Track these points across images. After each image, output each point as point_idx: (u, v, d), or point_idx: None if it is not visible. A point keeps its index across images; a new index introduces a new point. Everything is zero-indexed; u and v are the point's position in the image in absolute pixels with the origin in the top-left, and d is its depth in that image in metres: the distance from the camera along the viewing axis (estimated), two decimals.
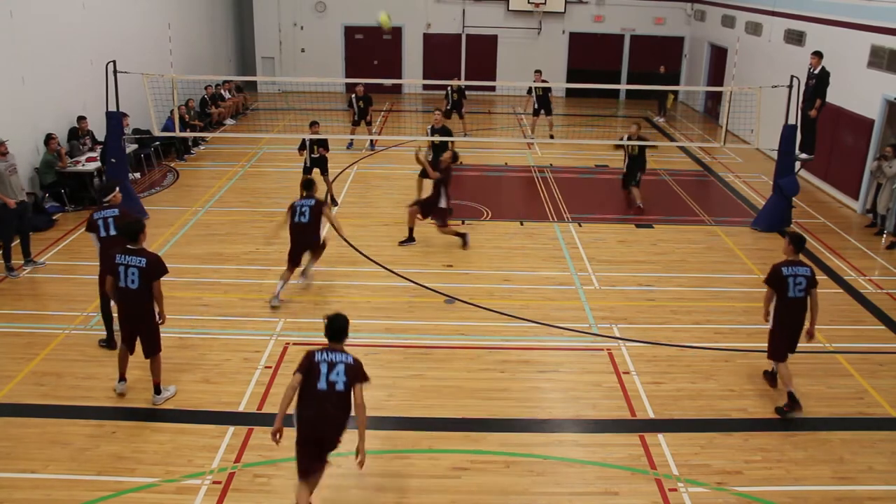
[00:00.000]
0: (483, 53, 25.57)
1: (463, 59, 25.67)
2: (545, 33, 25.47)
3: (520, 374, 8.40)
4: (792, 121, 12.80)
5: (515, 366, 8.55)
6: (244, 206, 13.73)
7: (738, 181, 16.29)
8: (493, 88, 25.96)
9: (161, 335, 7.58)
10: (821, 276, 11.19)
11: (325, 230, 10.58)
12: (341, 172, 15.74)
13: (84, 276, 10.35)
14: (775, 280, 7.62)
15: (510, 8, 24.94)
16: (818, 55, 13.36)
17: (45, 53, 13.36)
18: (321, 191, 12.18)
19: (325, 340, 5.98)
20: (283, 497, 6.37)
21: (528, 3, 24.72)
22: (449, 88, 18.90)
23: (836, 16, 15.45)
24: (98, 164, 13.43)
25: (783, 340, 7.78)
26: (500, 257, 11.63)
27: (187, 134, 16.46)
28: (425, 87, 25.46)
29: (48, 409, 7.49)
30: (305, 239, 9.84)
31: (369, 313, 9.61)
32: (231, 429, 7.24)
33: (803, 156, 13.74)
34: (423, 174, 12.67)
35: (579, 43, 25.72)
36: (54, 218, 12.67)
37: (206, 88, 19.85)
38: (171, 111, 14.80)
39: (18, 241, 10.73)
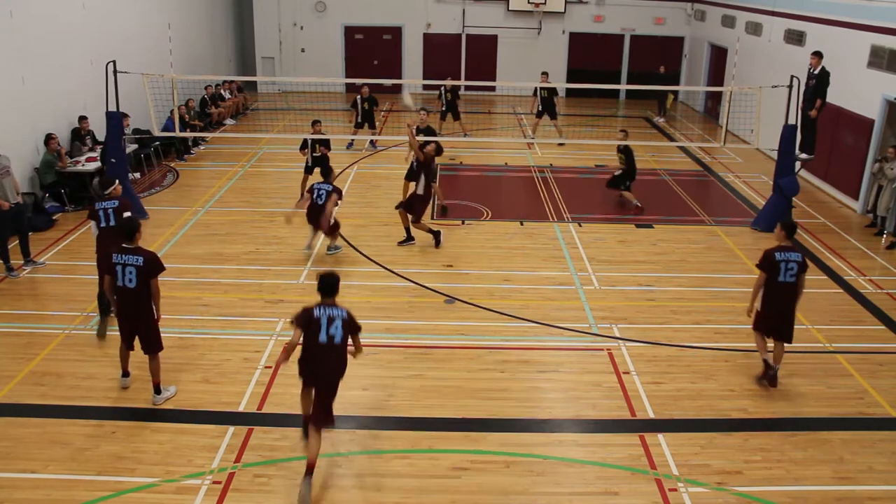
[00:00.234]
0: (483, 53, 25.58)
1: (463, 59, 25.67)
2: (545, 33, 25.48)
3: (520, 374, 8.40)
4: (792, 121, 12.80)
5: (515, 366, 8.55)
6: (244, 206, 13.74)
7: (738, 181, 16.29)
8: (493, 88, 25.97)
9: (161, 335, 7.58)
10: (821, 277, 11.22)
11: (337, 210, 11.45)
12: (341, 172, 15.74)
13: (84, 276, 10.36)
14: (768, 264, 7.81)
15: (510, 8, 24.94)
16: (818, 55, 13.35)
17: (45, 53, 13.36)
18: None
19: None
20: (283, 497, 6.37)
21: (528, 3, 24.73)
22: (442, 88, 18.88)
23: (836, 16, 15.45)
24: (98, 164, 13.42)
25: (770, 320, 8.02)
26: (500, 257, 11.63)
27: (187, 134, 16.47)
28: (425, 87, 25.45)
29: (48, 409, 7.49)
30: (315, 217, 10.99)
31: (369, 313, 9.61)
32: (231, 429, 7.24)
33: (803, 156, 13.74)
34: (409, 176, 12.78)
35: (579, 43, 25.72)
36: (54, 218, 12.67)
37: (206, 88, 19.85)
38: (171, 111, 14.80)
39: (17, 241, 10.73)
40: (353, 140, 17.79)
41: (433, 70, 24.76)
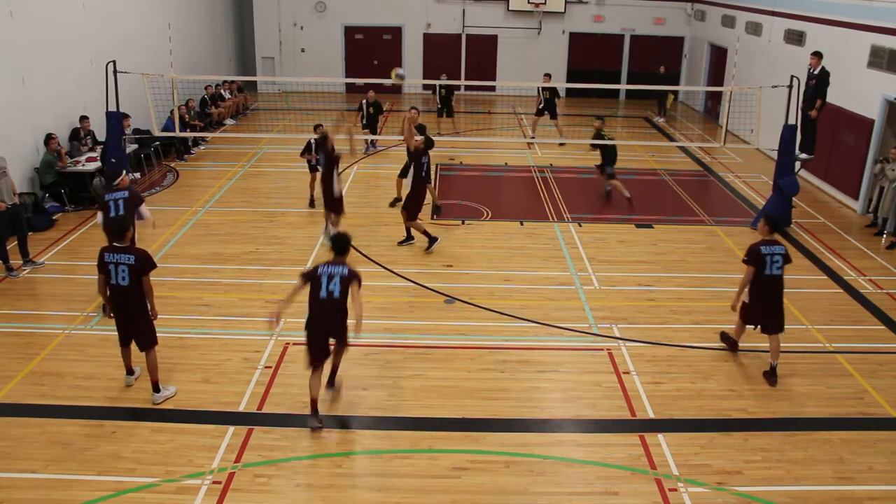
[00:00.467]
0: (483, 53, 25.58)
1: (463, 59, 25.68)
2: (545, 33, 25.48)
3: (520, 374, 8.40)
4: (792, 121, 12.80)
5: (515, 366, 8.55)
6: (244, 206, 13.74)
7: (738, 181, 16.29)
8: (493, 88, 25.97)
9: (157, 332, 7.63)
10: (821, 277, 11.23)
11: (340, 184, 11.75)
12: (342, 172, 15.69)
13: (84, 276, 10.36)
14: (755, 259, 8.06)
15: (510, 8, 24.94)
16: (818, 55, 13.35)
17: (45, 53, 13.36)
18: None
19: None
20: (283, 497, 6.38)
21: (528, 3, 24.73)
22: (437, 86, 18.92)
23: (836, 16, 15.45)
24: (98, 164, 13.42)
25: (756, 311, 8.28)
26: (500, 257, 11.63)
27: (187, 134, 16.47)
28: (425, 87, 25.46)
29: (48, 409, 7.49)
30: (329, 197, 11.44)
31: (369, 313, 9.58)
32: (231, 429, 7.24)
33: (803, 156, 13.74)
34: (403, 173, 13.04)
35: (579, 43, 25.72)
36: (54, 218, 12.67)
37: (206, 88, 19.85)
38: (171, 111, 14.80)
39: (16, 242, 10.73)
40: (367, 142, 17.71)
41: (433, 70, 24.76)
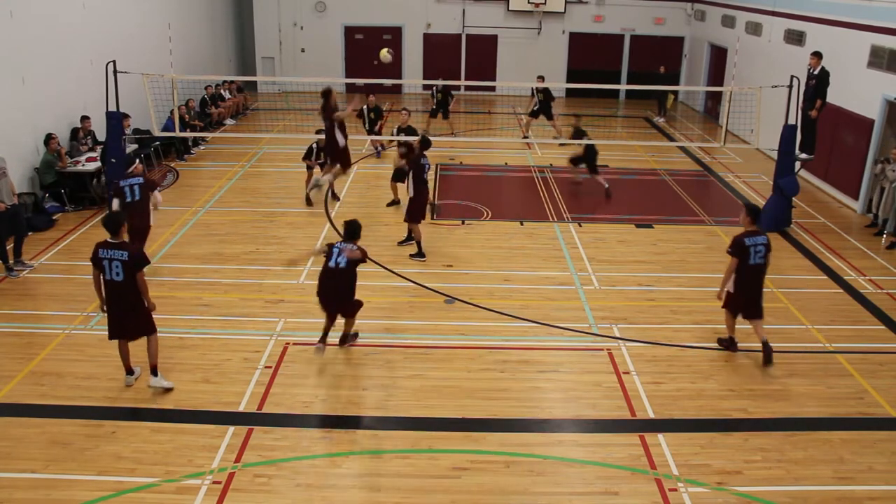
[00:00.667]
0: (483, 53, 25.58)
1: (463, 59, 25.68)
2: (545, 33, 25.48)
3: (520, 374, 8.40)
4: (792, 121, 12.80)
5: (515, 366, 8.55)
6: (244, 206, 13.74)
7: (738, 181, 16.29)
8: (493, 88, 25.97)
9: (153, 319, 7.72)
10: (821, 277, 11.23)
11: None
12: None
13: (84, 276, 10.34)
14: (739, 250, 8.33)
15: (510, 8, 24.94)
16: (817, 55, 13.35)
17: (45, 53, 13.36)
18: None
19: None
20: (283, 497, 6.38)
21: (528, 3, 24.73)
22: (434, 88, 18.98)
23: (836, 16, 15.45)
24: (98, 163, 13.42)
25: (740, 299, 8.51)
26: (500, 257, 11.62)
27: (187, 134, 16.46)
28: (425, 87, 25.44)
29: (48, 409, 7.49)
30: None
31: (369, 313, 9.59)
32: (231, 429, 7.24)
33: (803, 156, 13.73)
34: (395, 177, 13.30)
35: (579, 43, 25.72)
36: (54, 218, 12.67)
37: (206, 88, 19.85)
38: (171, 111, 14.80)
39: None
40: (376, 147, 17.70)
41: (433, 70, 24.77)
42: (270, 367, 8.32)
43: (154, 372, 7.78)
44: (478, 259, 11.53)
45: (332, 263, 8.18)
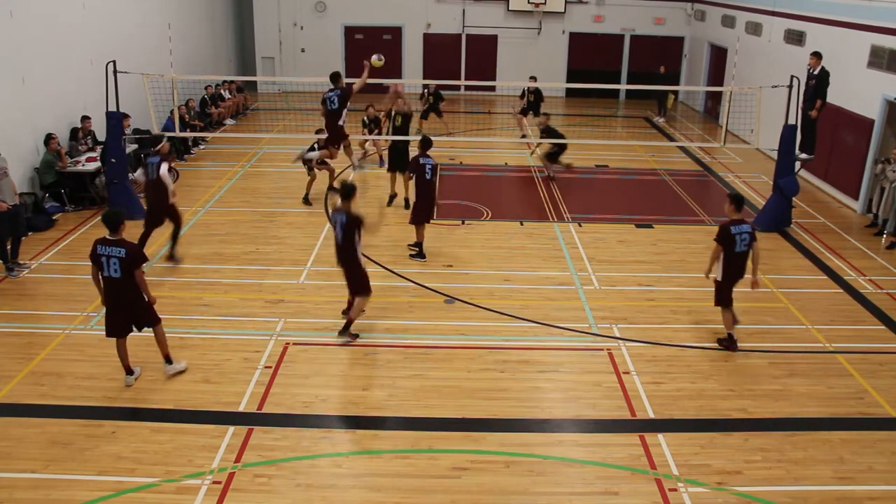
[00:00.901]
0: (483, 53, 25.58)
1: (463, 59, 25.67)
2: (545, 33, 25.48)
3: (520, 374, 8.40)
4: (792, 121, 12.80)
5: (515, 366, 8.55)
6: (244, 206, 13.74)
7: (738, 181, 16.29)
8: (493, 88, 25.97)
9: (155, 310, 7.82)
10: (821, 277, 11.23)
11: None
12: (342, 172, 15.73)
13: (84, 276, 10.33)
14: (725, 238, 8.61)
15: (510, 8, 24.94)
16: (817, 56, 13.35)
17: (45, 53, 13.36)
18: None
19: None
20: (283, 497, 6.38)
21: (528, 3, 24.73)
22: (426, 91, 19.05)
23: (836, 16, 15.45)
24: (98, 164, 13.42)
25: (730, 289, 8.82)
26: (500, 257, 11.62)
27: (187, 134, 16.46)
28: (425, 87, 25.41)
29: (48, 409, 7.49)
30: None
31: (369, 313, 9.60)
32: (231, 429, 7.24)
33: (803, 156, 13.73)
34: (393, 168, 13.76)
35: (579, 43, 25.72)
36: (54, 218, 12.67)
37: (206, 88, 19.85)
38: (171, 111, 14.80)
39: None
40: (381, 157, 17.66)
41: (434, 70, 24.77)
42: (270, 367, 8.32)
43: (168, 360, 8.02)
44: (478, 259, 11.53)
45: (336, 238, 8.63)
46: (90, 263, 7.54)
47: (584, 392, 8.08)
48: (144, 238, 10.56)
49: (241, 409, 7.59)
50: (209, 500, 6.29)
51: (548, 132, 15.67)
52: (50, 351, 8.57)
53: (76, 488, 6.38)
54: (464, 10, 25.13)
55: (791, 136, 12.89)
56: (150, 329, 7.87)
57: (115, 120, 12.60)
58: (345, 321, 8.94)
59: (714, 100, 22.58)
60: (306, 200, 13.84)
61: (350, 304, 9.08)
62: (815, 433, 7.44)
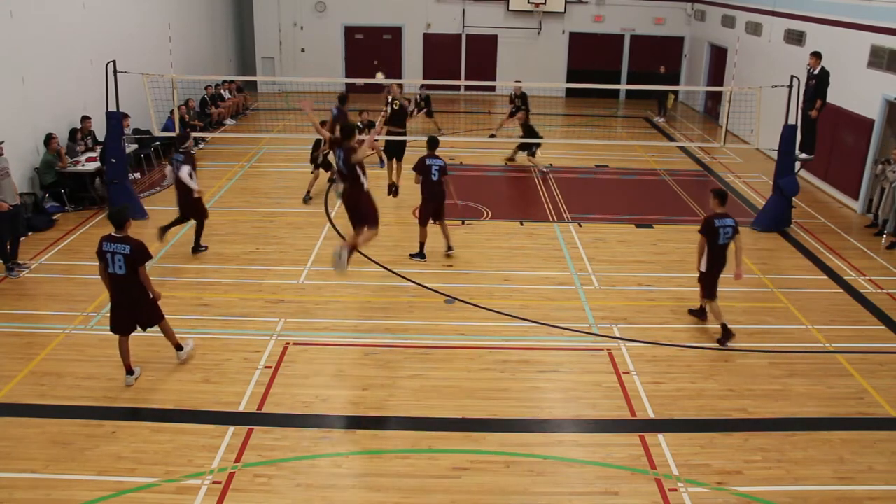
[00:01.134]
0: (483, 53, 25.58)
1: (463, 59, 25.67)
2: (545, 33, 25.48)
3: (520, 374, 8.40)
4: (792, 121, 12.80)
5: (515, 366, 8.55)
6: (244, 206, 13.73)
7: (738, 181, 16.29)
8: (493, 88, 25.97)
9: (159, 307, 7.91)
10: (821, 277, 11.23)
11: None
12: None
13: (84, 276, 10.37)
14: (710, 231, 8.95)
15: (510, 8, 24.94)
16: (817, 56, 13.35)
17: (45, 53, 13.36)
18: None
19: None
20: (283, 497, 6.38)
21: (528, 3, 24.73)
22: (417, 96, 19.30)
23: (836, 16, 15.45)
24: (98, 163, 13.41)
25: (715, 281, 9.11)
26: (500, 257, 11.62)
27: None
28: (425, 87, 25.43)
29: (48, 409, 7.49)
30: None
31: (369, 313, 9.61)
32: (231, 429, 7.24)
33: (803, 156, 13.73)
34: (389, 156, 14.05)
35: (579, 43, 25.72)
36: (54, 218, 12.67)
37: (206, 88, 19.85)
38: (171, 111, 14.80)
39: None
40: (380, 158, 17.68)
41: (434, 70, 24.78)
42: (270, 367, 8.32)
43: (178, 347, 8.24)
44: (478, 259, 11.53)
45: (343, 170, 9.14)
46: (97, 260, 7.62)
47: (584, 392, 8.08)
48: (173, 225, 11.17)
49: (241, 409, 7.59)
50: (209, 500, 6.29)
51: (526, 130, 16.09)
52: (50, 351, 8.56)
53: (76, 488, 6.38)
54: (464, 10, 25.14)
55: (791, 137, 12.89)
56: (156, 327, 7.97)
57: (115, 120, 12.59)
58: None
59: (714, 100, 22.58)
60: (307, 199, 13.85)
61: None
62: (815, 433, 7.44)
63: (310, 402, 7.74)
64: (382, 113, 15.40)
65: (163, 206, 13.57)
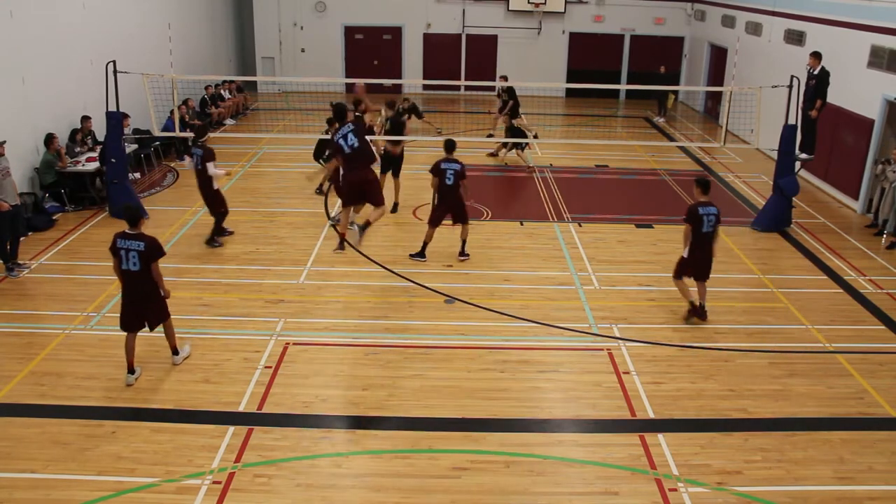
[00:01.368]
0: (483, 53, 25.57)
1: (463, 59, 25.67)
2: (545, 33, 25.48)
3: (520, 374, 8.40)
4: (792, 121, 12.79)
5: (515, 366, 8.55)
6: (244, 206, 13.73)
7: (738, 181, 16.29)
8: (493, 89, 25.93)
9: (167, 306, 8.01)
10: (821, 277, 11.24)
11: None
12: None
13: (84, 276, 10.36)
14: (694, 218, 9.18)
15: (510, 8, 24.94)
16: (816, 56, 13.35)
17: (45, 53, 13.36)
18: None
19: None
20: (283, 497, 6.38)
21: (528, 3, 24.72)
22: (400, 107, 19.21)
23: (836, 16, 15.45)
24: (98, 164, 13.41)
25: (689, 266, 9.40)
26: (500, 257, 11.62)
27: (187, 134, 16.40)
28: (425, 87, 25.47)
29: (48, 409, 7.49)
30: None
31: (369, 313, 9.61)
32: (231, 429, 7.24)
33: (803, 156, 13.73)
34: (384, 169, 13.41)
35: (579, 43, 25.72)
36: (54, 218, 12.67)
37: (206, 88, 19.85)
38: (171, 111, 14.79)
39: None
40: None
41: (433, 70, 24.78)
42: (270, 367, 8.32)
43: (175, 352, 8.27)
44: (478, 259, 11.53)
45: (346, 150, 9.58)
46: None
47: (584, 392, 8.08)
48: (218, 226, 11.76)
49: (241, 409, 7.59)
50: (209, 500, 6.29)
51: (512, 131, 16.42)
52: (50, 351, 8.56)
53: (76, 488, 6.38)
54: (464, 10, 25.13)
55: (791, 137, 12.89)
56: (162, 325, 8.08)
57: (115, 120, 12.59)
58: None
59: (714, 100, 22.57)
60: (319, 191, 14.01)
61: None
62: (815, 433, 7.44)
63: (310, 402, 7.74)
64: (380, 120, 15.32)
65: (163, 206, 13.59)
